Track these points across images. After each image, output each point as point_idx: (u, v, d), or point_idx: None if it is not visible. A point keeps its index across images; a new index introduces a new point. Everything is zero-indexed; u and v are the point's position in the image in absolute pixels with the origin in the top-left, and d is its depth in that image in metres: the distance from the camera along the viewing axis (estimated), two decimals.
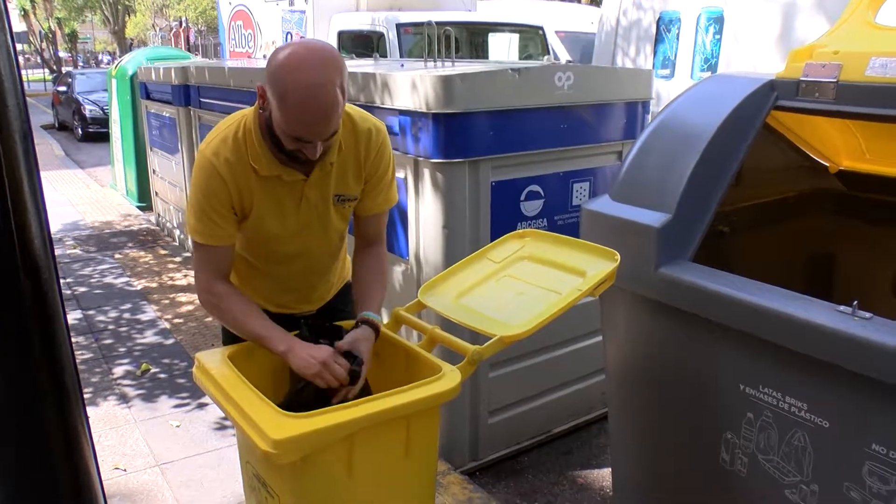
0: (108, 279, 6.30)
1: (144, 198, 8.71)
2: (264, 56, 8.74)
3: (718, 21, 6.79)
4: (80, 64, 41.67)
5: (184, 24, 35.54)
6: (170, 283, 6.18)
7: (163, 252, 7.11)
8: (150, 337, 5.03)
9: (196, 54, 24.54)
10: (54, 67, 34.22)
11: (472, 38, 9.13)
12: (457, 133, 3.05)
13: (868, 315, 1.71)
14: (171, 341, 4.95)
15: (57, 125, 19.38)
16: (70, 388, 1.76)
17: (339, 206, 2.11)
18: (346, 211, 2.15)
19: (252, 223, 2.03)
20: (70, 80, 18.37)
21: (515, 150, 3.22)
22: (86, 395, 4.01)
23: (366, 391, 1.99)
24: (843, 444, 1.78)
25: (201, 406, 4.00)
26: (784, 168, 2.91)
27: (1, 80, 1.52)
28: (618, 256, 2.06)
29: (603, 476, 3.47)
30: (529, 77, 3.17)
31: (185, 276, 6.29)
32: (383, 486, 1.91)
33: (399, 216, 3.37)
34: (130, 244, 7.42)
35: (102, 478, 1.93)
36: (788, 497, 1.94)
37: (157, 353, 4.76)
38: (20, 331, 1.64)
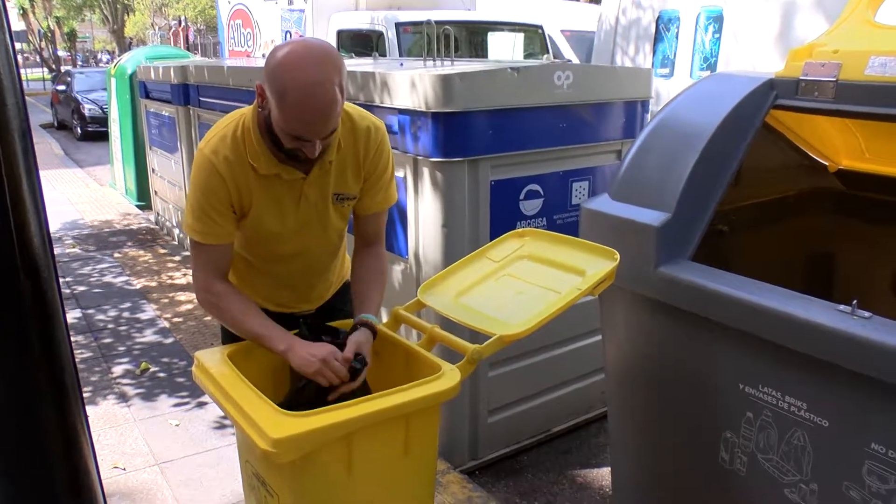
0: (108, 278, 6.30)
1: (144, 197, 8.70)
2: (263, 55, 8.73)
3: (718, 20, 6.80)
4: (79, 63, 41.63)
5: (183, 23, 35.49)
6: (169, 282, 6.18)
7: (162, 251, 7.11)
8: (149, 336, 5.03)
9: (195, 53, 24.50)
10: (53, 66, 34.23)
11: (472, 38, 9.12)
12: (456, 132, 3.04)
13: (867, 314, 1.71)
14: (170, 340, 4.95)
15: (56, 124, 19.36)
16: (69, 387, 1.76)
17: (339, 204, 2.11)
18: (346, 210, 2.15)
19: (251, 222, 2.03)
20: (69, 79, 18.36)
21: (515, 149, 3.22)
22: (85, 394, 4.01)
23: (365, 390, 1.99)
24: (843, 444, 1.78)
25: (201, 405, 4.00)
26: (783, 167, 2.91)
27: (0, 78, 1.52)
28: (617, 255, 2.06)
29: (602, 475, 3.47)
30: (529, 76, 3.17)
31: (185, 275, 6.29)
32: (383, 485, 1.91)
33: (398, 215, 3.37)
34: (130, 243, 7.42)
35: (102, 477, 1.93)
36: (788, 496, 1.94)
37: (156, 352, 4.76)
38: (19, 330, 1.64)
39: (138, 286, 6.07)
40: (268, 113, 1.86)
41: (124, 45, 34.23)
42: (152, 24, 40.59)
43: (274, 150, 1.93)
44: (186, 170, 6.41)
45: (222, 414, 2.84)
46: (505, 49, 9.18)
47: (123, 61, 9.08)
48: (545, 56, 8.90)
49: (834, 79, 2.07)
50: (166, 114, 6.81)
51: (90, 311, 5.49)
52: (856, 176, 2.85)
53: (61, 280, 5.84)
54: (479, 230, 3.19)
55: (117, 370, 4.48)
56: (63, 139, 16.70)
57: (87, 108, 16.49)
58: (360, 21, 8.75)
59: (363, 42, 8.52)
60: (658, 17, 7.44)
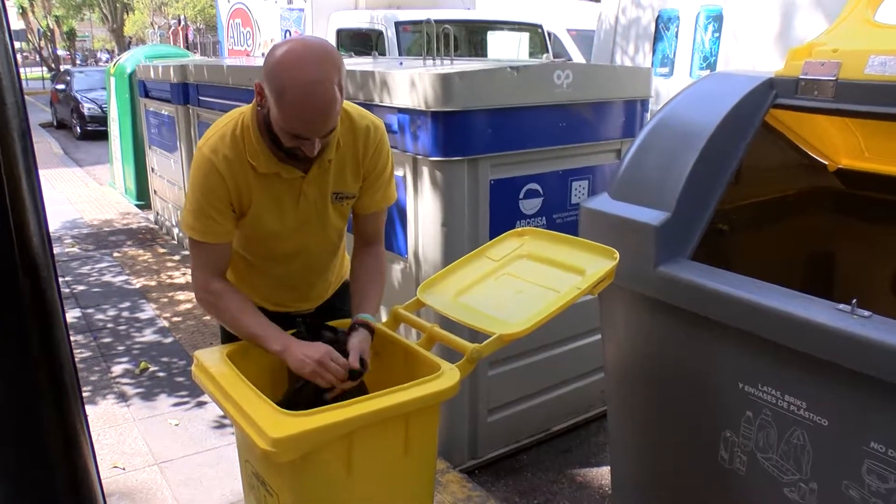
0: (107, 277, 6.30)
1: (143, 196, 8.70)
2: (263, 54, 8.74)
3: (717, 19, 6.80)
4: (79, 62, 41.63)
5: (182, 23, 35.52)
6: (168, 281, 6.18)
7: (161, 250, 7.11)
8: (148, 335, 5.02)
9: (195, 52, 24.50)
10: (52, 65, 34.23)
11: (471, 37, 9.12)
12: (455, 131, 3.04)
13: (867, 313, 1.71)
14: (169, 340, 4.95)
15: (55, 123, 19.35)
16: (69, 387, 1.76)
17: (338, 203, 2.11)
18: (345, 209, 2.15)
19: (250, 221, 2.02)
20: (68, 78, 18.34)
21: (514, 148, 3.22)
22: (84, 394, 4.01)
23: (361, 390, 1.99)
24: (842, 443, 1.78)
25: (200, 404, 4.00)
26: (783, 166, 2.91)
27: None
28: (617, 255, 2.06)
29: (602, 474, 3.47)
30: (528, 75, 3.17)
31: (184, 274, 6.29)
32: (382, 485, 1.91)
33: (398, 214, 3.37)
34: (129, 242, 7.42)
35: (101, 476, 1.93)
36: (787, 495, 1.94)
37: (155, 351, 4.76)
38: (19, 329, 1.64)
39: (137, 285, 6.07)
40: (267, 111, 1.86)
41: (124, 44, 34.21)
42: (152, 23, 40.61)
43: (273, 148, 1.93)
44: (186, 169, 6.41)
45: (222, 413, 2.84)
46: (510, 48, 9.19)
47: (123, 60, 9.07)
48: (544, 55, 8.91)
49: (833, 78, 2.07)
50: (166, 113, 6.81)
51: (89, 311, 5.49)
52: (855, 175, 2.85)
53: (61, 279, 5.85)
54: (478, 229, 3.19)
55: (117, 370, 4.48)
56: (62, 138, 16.69)
57: (87, 108, 16.48)
58: (359, 20, 8.75)
59: (363, 41, 8.52)
60: (658, 17, 7.44)
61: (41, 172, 1.68)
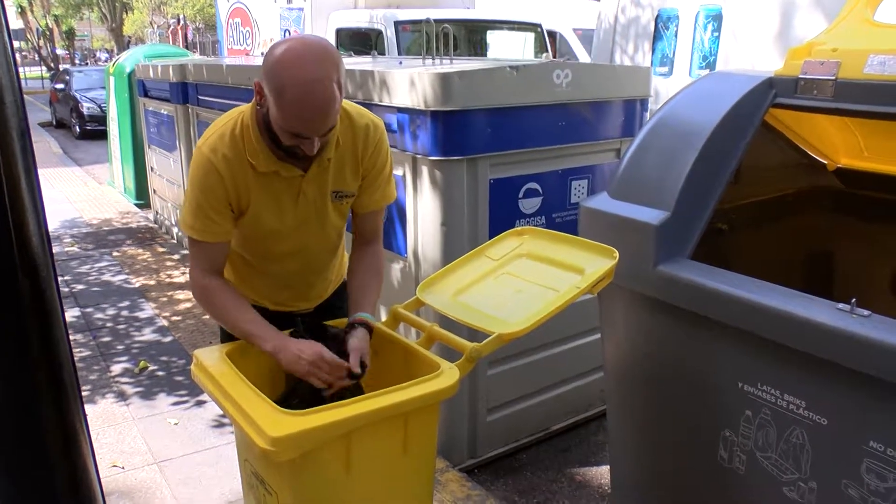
0: (106, 277, 6.30)
1: (142, 195, 8.70)
2: (262, 53, 8.76)
3: (717, 18, 6.79)
4: (78, 61, 41.59)
5: (181, 22, 35.50)
6: (168, 280, 6.18)
7: (161, 249, 7.11)
8: (148, 334, 5.02)
9: (194, 52, 24.47)
10: (52, 65, 34.18)
11: (471, 36, 9.12)
12: (455, 130, 3.04)
13: (866, 313, 1.71)
14: (169, 339, 4.95)
15: (55, 123, 19.34)
16: (68, 386, 1.76)
17: (337, 202, 2.11)
18: (344, 208, 2.15)
19: (249, 220, 2.02)
20: (68, 77, 18.33)
21: (514, 147, 3.22)
22: (84, 393, 4.01)
23: (358, 389, 1.99)
24: (842, 442, 1.78)
25: (199, 404, 4.00)
26: (782, 166, 2.91)
27: None
28: (616, 254, 2.06)
29: (601, 473, 3.47)
30: (528, 74, 3.17)
31: (183, 273, 6.29)
32: (382, 484, 1.91)
33: (398, 213, 3.37)
34: (128, 242, 7.42)
35: (101, 475, 1.93)
36: (787, 495, 1.94)
37: (155, 350, 4.76)
38: (18, 329, 1.64)
39: (137, 285, 6.07)
40: (266, 110, 1.86)
41: (123, 44, 34.18)
42: (151, 23, 40.60)
43: (273, 147, 1.93)
44: (185, 168, 6.40)
45: (221, 412, 2.84)
46: (515, 48, 9.19)
47: (122, 60, 9.07)
48: (543, 54, 8.90)
49: (833, 77, 2.07)
50: (165, 112, 6.81)
51: (89, 310, 5.49)
52: (855, 174, 2.85)
53: (60, 279, 5.84)
54: (478, 229, 3.19)
55: (116, 369, 4.48)
56: (61, 138, 16.68)
57: (86, 107, 16.47)
58: (359, 19, 8.75)
59: (362, 40, 8.52)
60: (657, 16, 7.44)
61: (40, 172, 1.68)
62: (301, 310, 2.28)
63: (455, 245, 3.11)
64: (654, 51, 7.51)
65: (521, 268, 2.21)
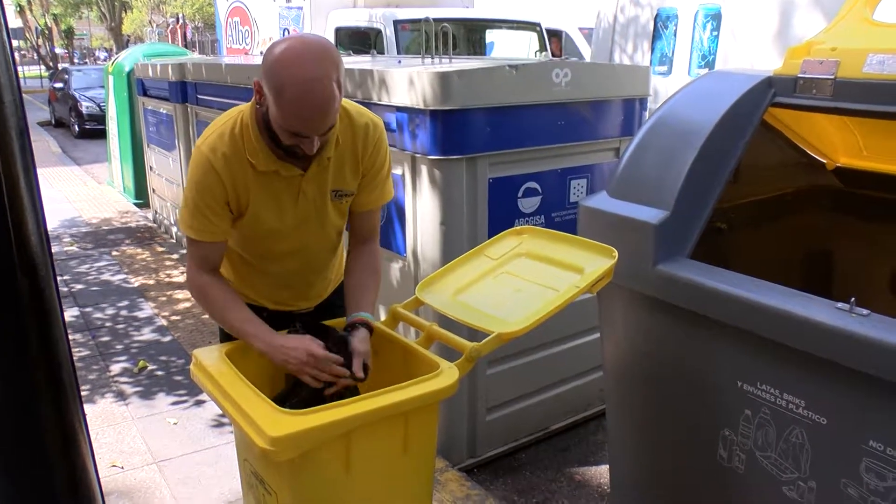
0: (105, 276, 6.30)
1: (141, 195, 8.69)
2: (261, 53, 8.76)
3: (716, 18, 6.79)
4: (77, 60, 41.56)
5: (181, 21, 35.48)
6: (167, 280, 6.17)
7: (160, 249, 7.11)
8: (147, 334, 5.02)
9: (193, 51, 24.47)
10: (51, 64, 34.16)
11: (470, 35, 9.12)
12: (454, 130, 3.04)
13: (865, 312, 1.71)
14: (168, 338, 4.94)
15: (54, 122, 19.33)
16: (67, 386, 1.76)
17: (337, 201, 2.11)
18: (344, 207, 2.15)
19: (249, 219, 2.02)
20: (66, 76, 18.32)
21: (513, 146, 3.22)
22: (83, 393, 4.01)
23: (354, 390, 1.99)
24: (841, 441, 1.78)
25: (199, 403, 4.00)
26: (782, 165, 2.91)
27: None
28: (615, 253, 2.06)
29: (601, 473, 3.47)
30: (527, 73, 3.17)
31: (182, 272, 6.28)
32: (381, 483, 1.91)
33: (397, 213, 3.37)
34: (127, 241, 7.41)
35: (100, 475, 1.93)
36: (786, 494, 1.94)
37: (154, 350, 4.75)
38: (17, 328, 1.64)
39: (136, 284, 6.07)
40: (266, 109, 1.86)
41: (122, 43, 34.16)
42: (150, 22, 40.58)
43: (272, 146, 1.93)
44: (184, 167, 6.40)
45: (220, 412, 2.83)
46: (520, 47, 9.19)
47: (121, 59, 9.06)
48: (543, 53, 8.91)
49: (832, 76, 2.07)
50: (164, 111, 6.80)
51: (88, 310, 5.49)
52: (854, 173, 2.85)
53: (59, 278, 5.84)
54: (477, 228, 3.19)
55: (115, 368, 4.48)
56: (61, 137, 16.68)
57: (85, 106, 16.46)
58: (358, 18, 8.74)
59: (361, 40, 8.52)
60: (656, 15, 7.44)
61: (39, 171, 1.68)
62: (301, 309, 2.29)
63: (454, 244, 3.11)
64: (653, 50, 7.51)
65: (521, 267, 2.21)
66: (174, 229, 7.28)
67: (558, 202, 3.47)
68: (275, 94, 1.77)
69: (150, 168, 7.79)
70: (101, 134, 12.42)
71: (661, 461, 2.42)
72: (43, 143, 14.63)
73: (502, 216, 3.24)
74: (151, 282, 6.12)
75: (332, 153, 2.01)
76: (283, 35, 9.51)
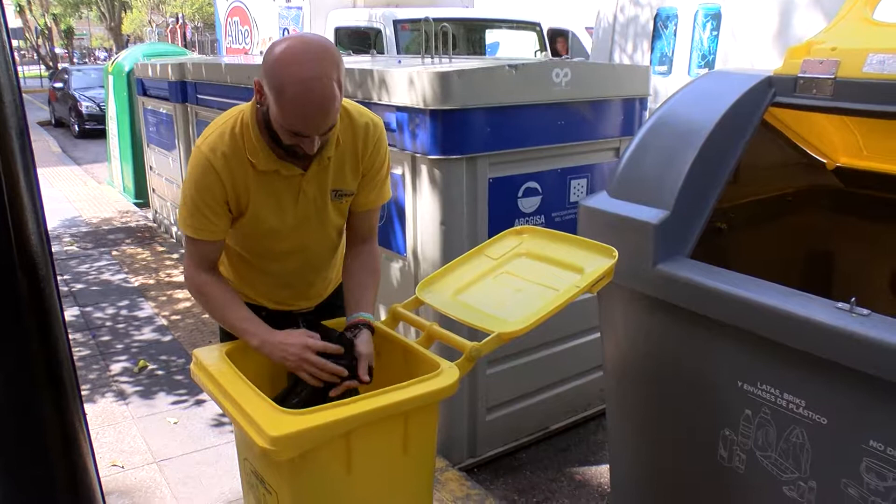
0: (106, 276, 6.30)
1: (141, 194, 8.70)
2: (261, 52, 8.75)
3: (716, 17, 6.79)
4: (77, 60, 41.55)
5: (180, 21, 35.45)
6: (167, 279, 6.17)
7: (160, 248, 7.11)
8: (147, 334, 5.02)
9: (193, 51, 24.46)
10: (50, 64, 34.16)
11: (470, 35, 9.12)
12: (454, 129, 3.04)
13: (866, 312, 1.71)
14: (168, 338, 4.94)
15: (53, 122, 19.33)
16: (67, 385, 1.76)
17: (337, 201, 2.11)
18: (344, 206, 2.15)
19: (249, 219, 2.03)
20: (66, 76, 18.32)
21: (513, 146, 3.22)
22: (83, 392, 4.01)
23: (354, 390, 1.99)
24: (841, 441, 1.78)
25: (199, 403, 4.00)
26: (782, 165, 2.91)
27: None
28: (615, 253, 2.06)
29: (601, 472, 3.47)
30: (527, 73, 3.17)
31: (182, 272, 6.28)
32: (381, 483, 1.91)
33: (397, 213, 3.37)
34: (127, 241, 7.41)
35: (100, 474, 1.93)
36: (786, 494, 1.94)
37: (154, 349, 4.75)
38: (18, 328, 1.64)
39: (136, 284, 6.07)
40: (266, 109, 1.86)
41: (122, 43, 34.16)
42: (150, 22, 40.57)
43: (272, 146, 1.93)
44: (184, 167, 6.40)
45: (220, 412, 2.84)
46: (525, 47, 9.18)
47: (121, 58, 9.06)
48: (543, 53, 8.91)
49: (832, 76, 2.07)
50: (164, 111, 6.80)
51: (88, 309, 5.48)
52: (854, 173, 2.85)
53: (59, 278, 5.84)
54: (477, 228, 3.19)
55: (115, 368, 4.48)
56: (60, 137, 16.67)
57: (85, 106, 16.46)
58: (357, 18, 8.74)
59: (361, 39, 8.52)
60: (656, 15, 7.43)
61: (39, 171, 1.68)
62: (301, 309, 2.29)
63: (454, 244, 3.11)
64: (652, 50, 7.51)
65: (521, 267, 2.21)
66: (174, 229, 7.28)
67: (558, 202, 3.47)
68: (275, 93, 1.77)
69: (150, 168, 7.80)
70: (100, 134, 12.42)
71: (662, 461, 2.42)
72: (43, 143, 14.63)
73: (502, 216, 3.24)
74: (151, 281, 6.12)
75: (333, 153, 2.01)
76: (283, 35, 9.52)
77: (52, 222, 7.90)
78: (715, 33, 6.81)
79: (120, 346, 4.81)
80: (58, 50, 39.94)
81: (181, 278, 6.13)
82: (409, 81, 3.09)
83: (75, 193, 9.77)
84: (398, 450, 1.88)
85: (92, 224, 8.12)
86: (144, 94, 7.38)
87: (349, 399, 1.78)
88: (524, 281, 2.14)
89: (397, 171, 3.24)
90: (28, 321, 1.65)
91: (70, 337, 1.86)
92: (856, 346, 1.66)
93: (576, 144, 3.47)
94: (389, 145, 2.19)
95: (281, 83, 1.76)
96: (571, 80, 3.30)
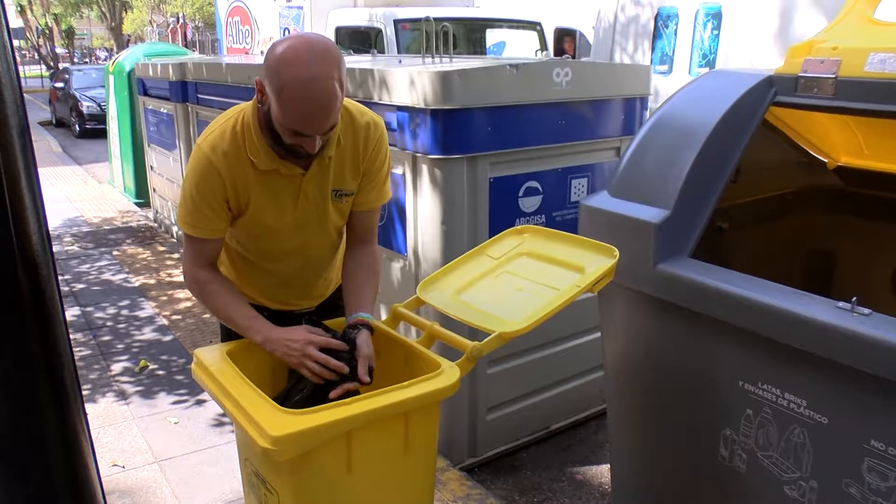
0: (106, 276, 6.30)
1: (142, 194, 8.70)
2: (261, 52, 8.74)
3: (716, 17, 6.79)
4: (77, 60, 41.54)
5: (181, 21, 35.46)
6: (168, 279, 6.17)
7: (161, 248, 7.11)
8: (148, 333, 5.02)
9: (193, 50, 24.42)
10: (51, 64, 34.16)
11: (470, 34, 9.12)
12: (455, 129, 3.04)
13: (867, 311, 1.71)
14: (169, 338, 4.94)
15: (54, 122, 19.33)
16: (68, 385, 1.76)
17: (337, 200, 2.10)
18: (345, 206, 2.15)
19: (249, 218, 2.03)
20: (67, 76, 18.33)
21: (513, 146, 3.22)
22: (84, 392, 4.01)
23: (352, 392, 1.98)
24: (843, 441, 1.78)
25: (200, 403, 4.00)
26: (782, 164, 2.91)
27: None
28: (616, 253, 2.06)
29: (601, 472, 3.47)
30: (527, 73, 3.17)
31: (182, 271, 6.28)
32: (382, 483, 1.91)
33: (397, 212, 3.37)
34: (128, 241, 7.41)
35: (101, 474, 1.93)
36: (787, 493, 1.94)
37: (155, 349, 4.76)
38: (18, 328, 1.64)
39: (137, 284, 6.07)
40: (267, 108, 1.86)
41: (122, 43, 34.16)
42: (150, 21, 40.57)
43: (273, 145, 1.93)
44: (184, 167, 6.39)
45: (221, 411, 2.84)
46: (530, 47, 9.18)
47: (122, 58, 9.06)
48: (543, 53, 8.90)
49: (833, 75, 2.07)
50: (165, 111, 6.80)
51: (89, 309, 5.49)
52: (855, 173, 2.85)
53: (60, 278, 5.84)
54: (478, 227, 3.19)
55: (116, 368, 4.48)
56: (61, 136, 16.68)
57: (86, 106, 16.47)
58: (358, 18, 8.74)
59: (361, 39, 8.52)
60: (657, 14, 7.43)
61: (40, 171, 1.68)
62: (303, 308, 2.29)
63: (455, 244, 3.11)
64: (653, 49, 7.50)
65: (522, 266, 2.21)
66: (175, 229, 7.28)
67: (559, 201, 3.47)
68: (276, 92, 1.77)
69: (151, 167, 7.80)
70: (101, 133, 12.42)
71: (662, 460, 2.42)
72: (44, 143, 14.64)
73: (503, 215, 3.24)
74: (152, 281, 6.12)
75: (334, 152, 2.01)
76: (284, 34, 9.53)
77: (53, 222, 7.90)
78: (716, 33, 6.80)
79: (121, 345, 4.82)
80: (59, 50, 39.95)
81: (182, 278, 6.12)
82: (409, 81, 3.09)
83: (76, 193, 9.77)
84: (399, 450, 1.88)
85: (93, 224, 8.12)
86: (145, 93, 7.39)
87: (350, 399, 1.78)
88: (525, 280, 2.14)
89: (398, 170, 3.24)
90: (29, 321, 1.65)
91: (71, 337, 1.86)
92: (857, 345, 1.66)
93: (576, 144, 3.47)
94: (390, 145, 2.19)
95: (282, 83, 1.76)
96: (572, 80, 3.29)
